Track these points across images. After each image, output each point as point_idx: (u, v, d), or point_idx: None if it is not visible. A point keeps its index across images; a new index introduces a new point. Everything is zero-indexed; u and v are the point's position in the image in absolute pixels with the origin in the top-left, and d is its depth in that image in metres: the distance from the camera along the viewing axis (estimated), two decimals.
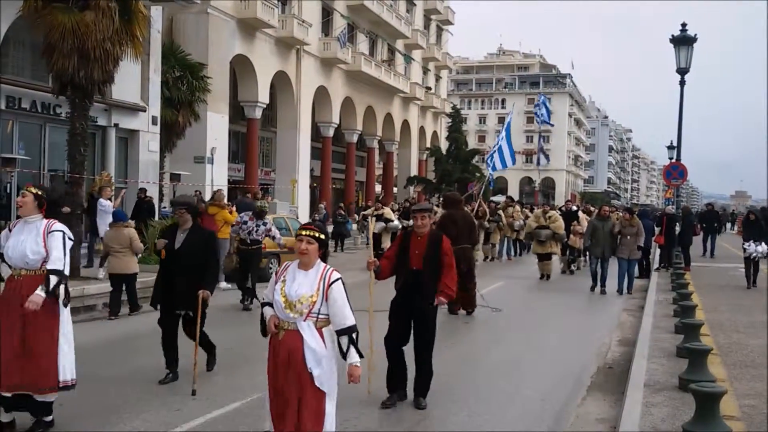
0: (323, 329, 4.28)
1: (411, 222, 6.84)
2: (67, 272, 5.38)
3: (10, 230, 5.53)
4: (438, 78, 55.86)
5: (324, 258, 4.46)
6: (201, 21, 26.33)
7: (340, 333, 4.25)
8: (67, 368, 5.41)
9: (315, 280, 4.27)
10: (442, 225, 11.50)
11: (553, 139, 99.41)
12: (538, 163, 76.31)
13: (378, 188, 46.74)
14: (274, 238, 12.23)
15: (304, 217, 29.15)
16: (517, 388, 7.14)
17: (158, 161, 21.38)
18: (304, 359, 4.19)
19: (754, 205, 40.16)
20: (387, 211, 19.37)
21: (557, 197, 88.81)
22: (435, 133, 54.41)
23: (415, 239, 6.41)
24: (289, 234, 14.81)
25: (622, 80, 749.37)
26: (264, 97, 31.10)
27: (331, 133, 38.04)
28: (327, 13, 37.16)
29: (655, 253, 20.19)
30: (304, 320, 4.23)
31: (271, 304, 4.40)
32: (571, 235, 17.93)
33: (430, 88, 51.87)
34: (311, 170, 36.84)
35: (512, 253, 23.35)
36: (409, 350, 6.41)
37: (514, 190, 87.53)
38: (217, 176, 26.24)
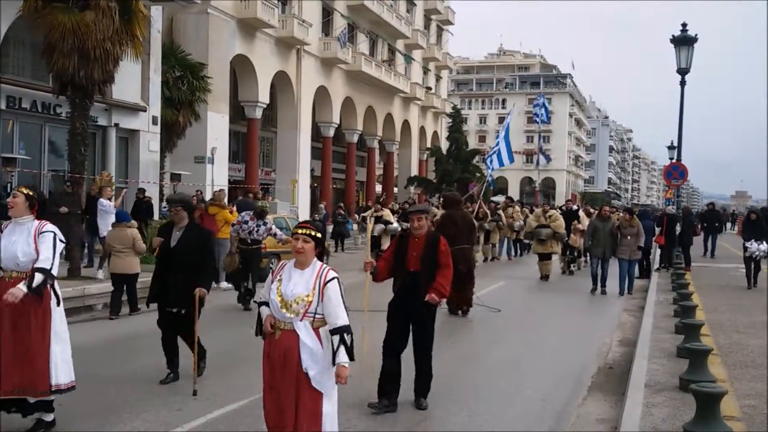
0: (320, 329, 4.24)
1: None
2: (55, 272, 5.27)
3: (1, 231, 5.47)
4: (438, 78, 55.85)
5: (321, 257, 4.42)
6: (201, 21, 26.33)
7: (332, 332, 4.19)
8: (60, 371, 5.33)
9: (311, 280, 4.23)
10: (441, 225, 11.50)
11: (554, 139, 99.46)
12: (539, 164, 76.29)
13: (378, 188, 46.73)
14: (275, 235, 12.21)
15: (305, 217, 29.13)
16: (517, 388, 7.13)
17: (158, 161, 21.39)
18: (299, 359, 4.15)
19: (754, 205, 40.15)
20: (386, 213, 19.32)
21: (558, 197, 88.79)
22: (435, 133, 54.41)
23: (413, 241, 6.38)
24: (289, 234, 14.81)
25: (622, 80, 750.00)
26: (264, 97, 31.10)
27: (331, 133, 38.04)
28: (327, 13, 37.16)
29: (656, 254, 20.19)
30: (301, 320, 4.20)
31: (267, 304, 4.36)
32: (572, 235, 17.92)
33: (430, 88, 51.87)
34: (312, 170, 36.84)
35: (512, 253, 23.35)
36: (408, 351, 6.37)
37: (514, 190, 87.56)
38: (218, 176, 26.25)
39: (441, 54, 53.64)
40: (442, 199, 15.29)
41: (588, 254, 16.59)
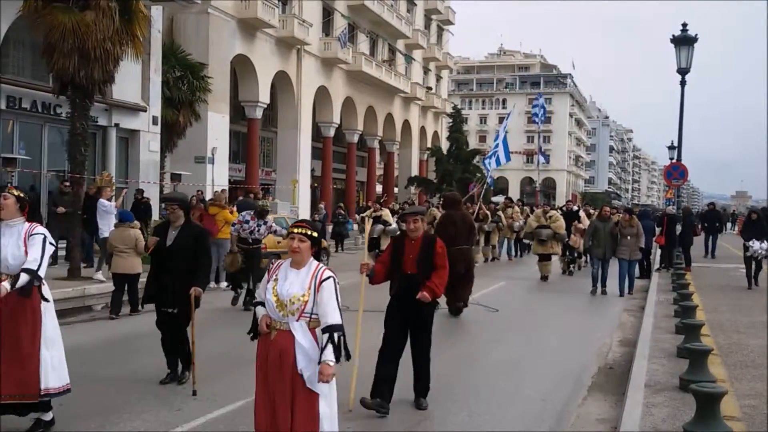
0: (316, 330, 4.17)
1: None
2: (42, 274, 5.17)
3: None
4: (439, 78, 55.85)
5: (318, 256, 4.36)
6: (201, 21, 26.34)
7: (322, 330, 4.12)
8: (50, 376, 5.24)
9: (307, 279, 4.18)
10: (441, 225, 11.50)
11: (554, 140, 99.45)
12: (539, 164, 76.29)
13: (379, 188, 46.74)
14: (275, 232, 12.19)
15: (305, 218, 29.10)
16: (517, 388, 7.13)
17: (159, 161, 21.40)
18: (295, 360, 4.10)
19: (754, 205, 40.11)
20: (385, 213, 19.29)
21: (558, 197, 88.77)
22: (436, 133, 54.41)
23: (409, 243, 6.32)
24: None
25: (622, 80, 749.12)
26: (265, 97, 31.10)
27: (331, 133, 38.04)
28: (327, 13, 37.16)
29: (656, 254, 20.19)
30: (297, 320, 4.15)
31: (263, 304, 4.30)
32: (572, 235, 17.91)
33: (430, 88, 51.87)
34: (312, 170, 36.85)
35: (513, 253, 23.35)
36: (406, 352, 6.35)
37: (514, 191, 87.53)
38: (218, 176, 26.25)
39: (441, 54, 53.64)
40: (441, 199, 15.28)
41: (588, 255, 16.60)
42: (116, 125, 19.25)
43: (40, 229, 5.34)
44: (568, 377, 7.62)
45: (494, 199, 35.46)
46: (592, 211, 23.74)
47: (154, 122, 20.38)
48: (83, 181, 14.24)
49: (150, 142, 20.36)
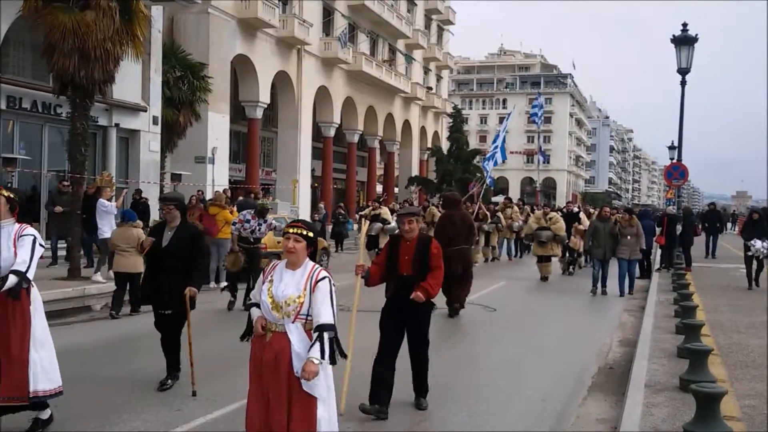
0: (312, 331, 4.10)
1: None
2: (31, 276, 5.09)
3: None
4: (439, 78, 55.85)
5: (313, 257, 4.31)
6: (202, 21, 26.34)
7: (314, 329, 4.06)
8: (40, 378, 5.17)
9: (302, 280, 4.12)
10: (440, 226, 11.50)
11: (554, 139, 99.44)
12: (540, 163, 76.29)
13: (379, 188, 46.74)
14: (275, 228, 12.17)
15: (305, 218, 29.11)
16: (517, 388, 7.12)
17: (159, 161, 21.41)
18: (291, 363, 4.03)
19: (755, 205, 40.09)
20: (384, 211, 19.24)
21: (558, 197, 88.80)
22: (436, 133, 54.42)
23: (404, 244, 6.23)
24: None
25: (622, 80, 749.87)
26: (265, 97, 31.11)
27: (332, 133, 38.05)
28: (328, 13, 37.17)
29: (656, 254, 20.18)
30: (293, 322, 4.09)
31: (258, 305, 4.24)
32: (572, 237, 17.90)
33: (431, 88, 51.88)
34: (312, 170, 36.85)
35: (513, 253, 23.34)
36: (404, 354, 6.32)
37: (514, 190, 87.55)
38: (218, 176, 26.25)
39: (442, 54, 53.65)
40: (441, 199, 15.28)
41: (588, 255, 16.58)
42: (116, 125, 19.25)
43: (30, 230, 5.27)
44: (568, 377, 7.61)
45: (494, 199, 35.45)
46: (592, 210, 23.74)
47: (155, 122, 20.39)
48: (83, 181, 14.24)
49: (150, 142, 20.37)
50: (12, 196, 5.30)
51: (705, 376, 6.29)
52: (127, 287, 10.82)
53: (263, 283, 4.23)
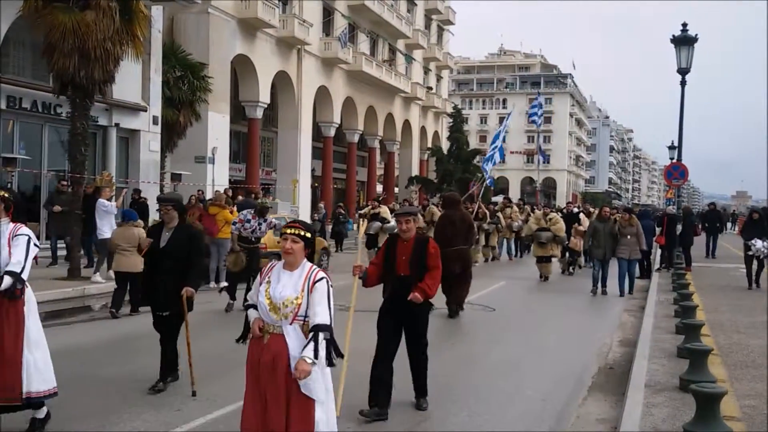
0: (308, 332, 4.06)
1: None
2: (25, 277, 5.06)
3: None
4: (439, 78, 55.86)
5: (311, 257, 4.27)
6: (202, 21, 26.35)
7: (309, 329, 4.02)
8: (33, 380, 5.14)
9: (300, 281, 4.07)
10: (440, 226, 11.50)
11: (554, 139, 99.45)
12: (540, 163, 76.28)
13: (379, 188, 46.75)
14: (275, 227, 12.16)
15: (305, 217, 29.12)
16: (517, 388, 7.12)
17: (159, 161, 21.41)
18: (289, 365, 3.99)
19: (755, 205, 40.08)
20: (384, 210, 19.21)
21: (558, 197, 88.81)
22: (436, 133, 54.43)
23: (402, 244, 6.19)
24: None
25: (622, 80, 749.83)
26: (265, 97, 31.12)
27: (332, 133, 38.06)
28: (328, 13, 37.17)
29: (656, 254, 20.18)
30: (290, 324, 4.05)
31: (256, 307, 4.19)
32: (572, 238, 17.89)
33: (431, 88, 51.89)
34: (312, 170, 36.86)
35: (513, 253, 23.34)
36: (403, 355, 6.31)
37: (515, 190, 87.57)
38: (218, 176, 26.25)
39: (442, 54, 53.66)
40: (441, 199, 15.27)
41: (588, 255, 16.57)
42: (116, 125, 19.26)
43: (25, 230, 5.23)
44: (568, 377, 7.61)
45: (494, 199, 35.46)
46: (591, 210, 23.74)
47: (155, 122, 20.39)
48: (83, 180, 14.24)
49: (150, 142, 20.37)
50: (6, 195, 5.27)
51: (705, 376, 6.29)
52: (128, 287, 10.82)
53: (260, 284, 4.19)
